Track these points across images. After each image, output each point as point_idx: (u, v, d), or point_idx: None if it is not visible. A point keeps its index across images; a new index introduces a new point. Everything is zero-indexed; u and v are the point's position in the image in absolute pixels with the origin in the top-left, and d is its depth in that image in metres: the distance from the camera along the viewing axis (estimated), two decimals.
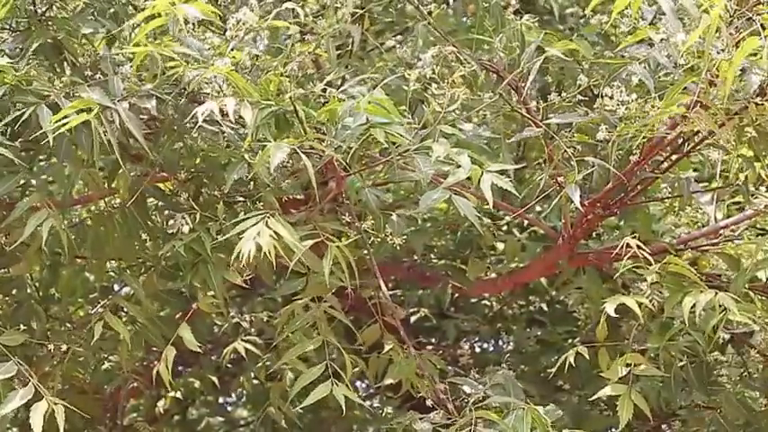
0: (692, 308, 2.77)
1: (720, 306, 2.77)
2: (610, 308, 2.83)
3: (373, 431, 5.08)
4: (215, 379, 5.09)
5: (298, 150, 2.63)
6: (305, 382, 2.94)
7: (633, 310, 2.86)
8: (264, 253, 2.61)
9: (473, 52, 3.18)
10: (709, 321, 2.83)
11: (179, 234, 2.97)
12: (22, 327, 3.04)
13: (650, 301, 2.88)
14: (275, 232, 2.64)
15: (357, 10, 3.20)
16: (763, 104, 2.71)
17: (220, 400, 5.82)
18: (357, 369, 3.33)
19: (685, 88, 2.67)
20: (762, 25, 2.54)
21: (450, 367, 3.52)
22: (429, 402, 3.06)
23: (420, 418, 2.94)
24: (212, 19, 2.79)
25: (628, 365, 2.96)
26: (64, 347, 3.23)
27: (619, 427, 2.95)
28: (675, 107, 2.67)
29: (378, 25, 3.92)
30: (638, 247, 2.82)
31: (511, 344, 5.13)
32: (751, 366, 3.38)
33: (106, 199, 3.23)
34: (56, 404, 2.70)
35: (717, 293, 2.78)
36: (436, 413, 2.96)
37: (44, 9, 3.07)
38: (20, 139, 2.89)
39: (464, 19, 3.62)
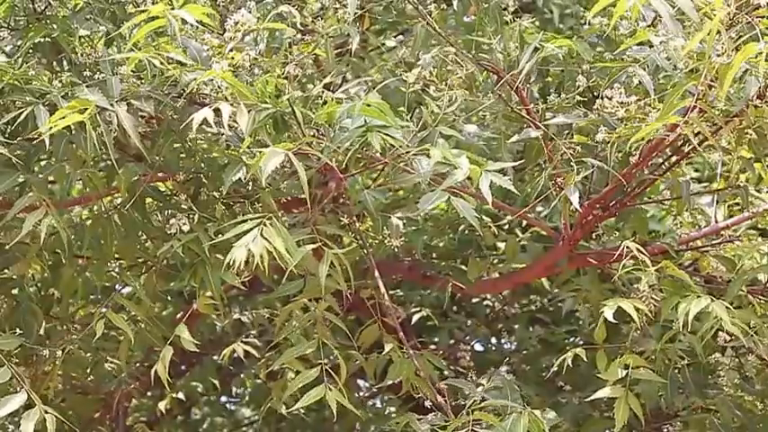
0: (686, 314, 2.76)
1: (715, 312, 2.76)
2: (608, 313, 2.82)
3: (375, 430, 5.08)
4: (216, 380, 5.09)
5: (292, 156, 2.62)
6: (299, 384, 2.94)
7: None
8: (261, 256, 2.60)
9: (473, 53, 3.17)
10: (704, 325, 2.82)
11: (178, 234, 2.96)
12: (21, 327, 3.05)
13: (648, 304, 2.87)
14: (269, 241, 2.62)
15: (357, 10, 3.19)
16: (761, 107, 2.70)
17: (223, 399, 5.83)
18: (358, 367, 3.34)
19: (684, 91, 2.66)
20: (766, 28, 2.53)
21: (451, 367, 3.51)
22: (428, 404, 3.06)
23: (419, 419, 2.94)
24: (208, 22, 2.79)
25: (626, 367, 2.95)
26: (62, 348, 3.23)
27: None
28: (674, 111, 2.66)
29: (378, 25, 3.91)
30: (638, 249, 2.81)
31: (512, 344, 5.12)
32: (748, 370, 3.37)
33: (106, 199, 3.22)
34: (47, 413, 2.67)
35: (713, 300, 2.77)
36: (434, 415, 2.95)
37: (43, 7, 3.07)
38: (18, 138, 2.89)
39: (465, 18, 3.61)
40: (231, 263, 2.56)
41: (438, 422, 2.91)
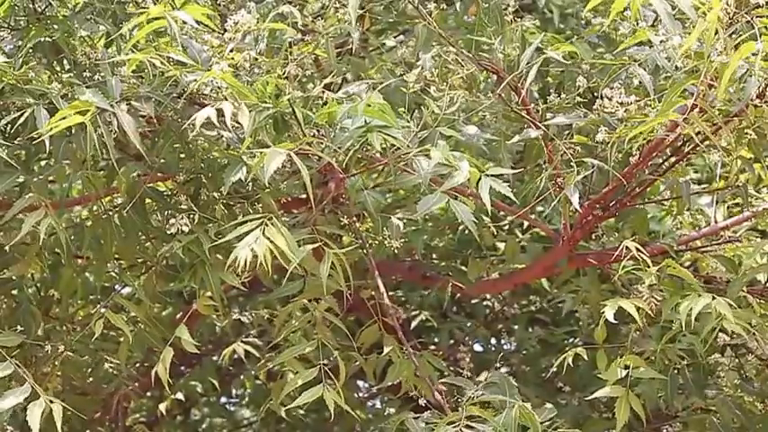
0: (688, 312, 2.75)
1: (717, 310, 2.76)
2: (609, 313, 2.82)
3: (375, 430, 5.08)
4: (216, 381, 5.08)
5: (294, 157, 2.62)
6: (296, 384, 2.94)
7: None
8: (264, 256, 2.59)
9: (473, 53, 3.17)
10: (705, 326, 2.81)
11: (178, 235, 2.96)
12: (20, 327, 3.05)
13: (648, 304, 2.86)
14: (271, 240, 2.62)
15: (358, 10, 3.19)
16: (761, 107, 2.70)
17: (223, 400, 5.82)
18: (358, 367, 3.33)
19: (684, 91, 2.66)
20: (765, 27, 2.53)
21: (451, 368, 3.51)
22: (422, 402, 3.05)
23: (414, 418, 2.93)
24: (208, 23, 2.78)
25: (626, 367, 2.95)
26: (62, 348, 3.22)
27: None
28: (674, 111, 2.66)
29: (378, 25, 3.91)
30: (637, 249, 2.81)
31: (512, 344, 5.12)
32: (748, 370, 3.37)
33: (105, 199, 3.22)
34: (52, 402, 2.68)
35: (714, 298, 2.76)
36: (429, 412, 2.95)
37: (43, 7, 3.07)
38: (18, 138, 2.89)
39: (465, 18, 3.61)
40: (232, 263, 2.56)
41: (433, 419, 2.91)
